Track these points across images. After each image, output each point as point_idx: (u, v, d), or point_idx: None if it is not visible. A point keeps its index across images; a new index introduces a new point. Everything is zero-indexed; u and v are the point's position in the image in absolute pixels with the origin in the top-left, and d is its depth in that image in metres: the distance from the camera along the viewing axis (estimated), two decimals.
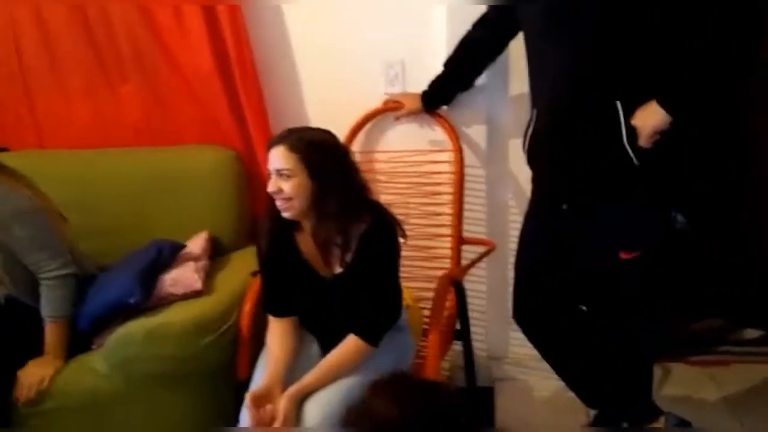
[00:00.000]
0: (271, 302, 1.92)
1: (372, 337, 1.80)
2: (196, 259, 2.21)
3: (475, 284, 2.52)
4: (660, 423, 1.98)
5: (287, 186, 1.71)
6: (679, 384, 2.46)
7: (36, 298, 2.06)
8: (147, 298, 2.03)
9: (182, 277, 2.11)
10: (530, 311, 2.04)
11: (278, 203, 1.74)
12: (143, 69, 2.48)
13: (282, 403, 1.69)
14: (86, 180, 2.45)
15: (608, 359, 1.99)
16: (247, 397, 1.71)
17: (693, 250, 2.36)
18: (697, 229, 2.06)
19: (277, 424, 1.67)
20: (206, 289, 2.11)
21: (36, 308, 2.06)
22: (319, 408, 1.71)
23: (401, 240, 1.86)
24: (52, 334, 2.04)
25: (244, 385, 1.85)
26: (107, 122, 2.55)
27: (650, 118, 1.72)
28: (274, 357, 1.83)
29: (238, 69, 2.37)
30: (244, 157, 2.48)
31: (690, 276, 2.50)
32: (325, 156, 1.75)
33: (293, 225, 1.83)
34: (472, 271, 2.49)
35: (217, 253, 2.36)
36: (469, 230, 2.42)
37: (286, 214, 1.75)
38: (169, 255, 2.17)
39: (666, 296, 2.13)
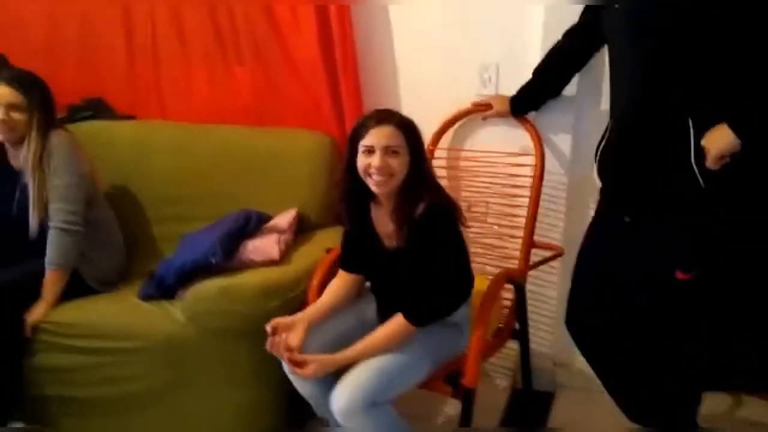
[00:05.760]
0: (344, 260, 2.08)
1: (414, 317, 1.85)
2: (281, 232, 2.39)
3: (548, 290, 2.55)
4: None
5: (395, 162, 1.81)
6: (745, 414, 2.40)
7: None
8: (228, 260, 2.22)
9: (263, 246, 2.30)
10: (581, 320, 2.06)
11: (377, 178, 1.81)
12: (257, 53, 2.70)
13: (312, 364, 1.83)
14: (196, 151, 2.71)
15: (656, 378, 1.97)
16: (270, 323, 1.89)
17: None
18: None
19: (301, 373, 1.84)
20: (283, 259, 2.29)
21: None
22: (347, 389, 1.79)
23: (463, 227, 1.92)
24: (47, 280, 2.31)
25: None
26: (221, 100, 2.81)
27: (719, 140, 1.70)
28: (320, 300, 2.01)
29: (340, 62, 2.54)
30: (340, 143, 2.64)
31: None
32: (420, 139, 1.89)
33: (369, 198, 1.95)
34: (545, 276, 2.53)
35: (303, 230, 2.53)
36: (546, 236, 2.46)
37: (381, 189, 1.84)
38: (255, 224, 2.36)
39: (735, 326, 2.07)
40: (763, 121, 1.70)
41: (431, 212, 1.85)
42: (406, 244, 1.88)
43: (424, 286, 1.87)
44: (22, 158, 2.35)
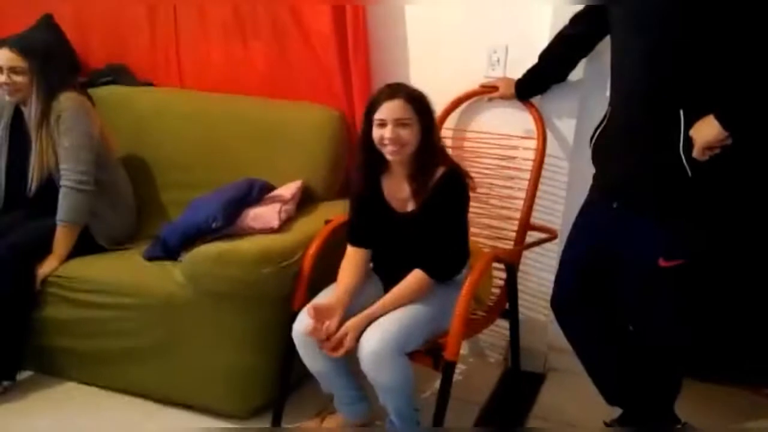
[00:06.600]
0: (353, 232, 2.16)
1: (434, 271, 2.01)
2: (284, 202, 2.45)
3: (545, 272, 2.57)
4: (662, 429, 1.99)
5: (405, 133, 1.96)
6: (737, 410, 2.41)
7: None
8: (228, 225, 2.30)
9: (264, 214, 2.36)
10: (566, 302, 2.09)
11: (391, 148, 1.97)
12: (273, 28, 2.77)
13: (349, 334, 1.93)
14: (210, 120, 2.80)
15: (638, 362, 2.00)
16: (310, 307, 1.96)
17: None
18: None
19: (340, 352, 1.93)
20: (283, 228, 2.35)
21: None
22: (378, 333, 1.92)
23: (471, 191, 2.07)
24: (58, 235, 2.42)
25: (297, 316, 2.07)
26: (237, 71, 2.88)
27: (704, 131, 1.73)
28: (343, 283, 2.08)
29: (352, 40, 2.58)
30: (348, 117, 2.70)
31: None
32: (429, 110, 2.03)
33: (381, 169, 2.08)
34: (543, 260, 2.56)
35: (307, 202, 2.58)
36: (544, 219, 2.49)
37: (395, 158, 1.99)
38: (258, 193, 2.43)
39: (716, 316, 2.08)
40: (749, 113, 1.71)
41: (450, 176, 2.02)
42: (424, 205, 2.01)
43: (441, 244, 2.02)
44: (27, 119, 2.46)
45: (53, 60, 2.48)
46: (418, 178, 2.01)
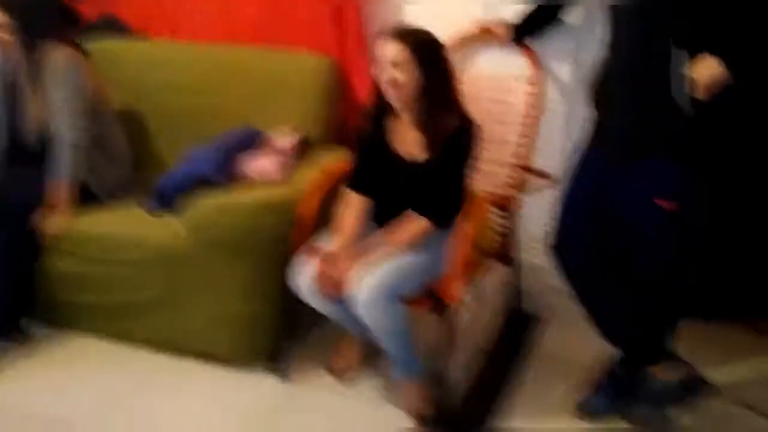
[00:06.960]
0: (357, 178, 2.15)
1: (437, 217, 2.02)
2: (283, 153, 2.46)
3: (544, 216, 2.55)
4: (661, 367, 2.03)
5: (401, 75, 1.93)
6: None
7: None
8: (225, 176, 2.31)
9: (264, 165, 2.38)
10: (564, 243, 2.10)
11: (389, 91, 1.96)
12: None
13: (348, 280, 1.95)
14: (203, 70, 2.78)
15: (635, 301, 2.03)
16: (321, 253, 2.00)
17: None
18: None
19: (339, 295, 1.96)
20: (282, 179, 2.37)
21: None
22: (371, 279, 1.93)
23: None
24: (57, 191, 2.40)
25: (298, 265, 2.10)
26: (230, 19, 2.85)
27: (705, 70, 1.72)
28: (346, 231, 2.09)
29: None
30: (340, 63, 2.68)
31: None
32: (432, 52, 1.99)
33: (390, 116, 2.07)
34: (542, 204, 2.55)
35: (305, 152, 2.58)
36: (542, 163, 2.47)
37: (395, 102, 1.98)
38: (254, 141, 2.45)
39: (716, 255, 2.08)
40: (750, 51, 1.70)
41: (465, 130, 2.01)
42: (437, 157, 2.00)
43: (444, 192, 2.02)
44: (18, 75, 2.44)
45: (36, 13, 2.43)
46: (428, 126, 1.99)
